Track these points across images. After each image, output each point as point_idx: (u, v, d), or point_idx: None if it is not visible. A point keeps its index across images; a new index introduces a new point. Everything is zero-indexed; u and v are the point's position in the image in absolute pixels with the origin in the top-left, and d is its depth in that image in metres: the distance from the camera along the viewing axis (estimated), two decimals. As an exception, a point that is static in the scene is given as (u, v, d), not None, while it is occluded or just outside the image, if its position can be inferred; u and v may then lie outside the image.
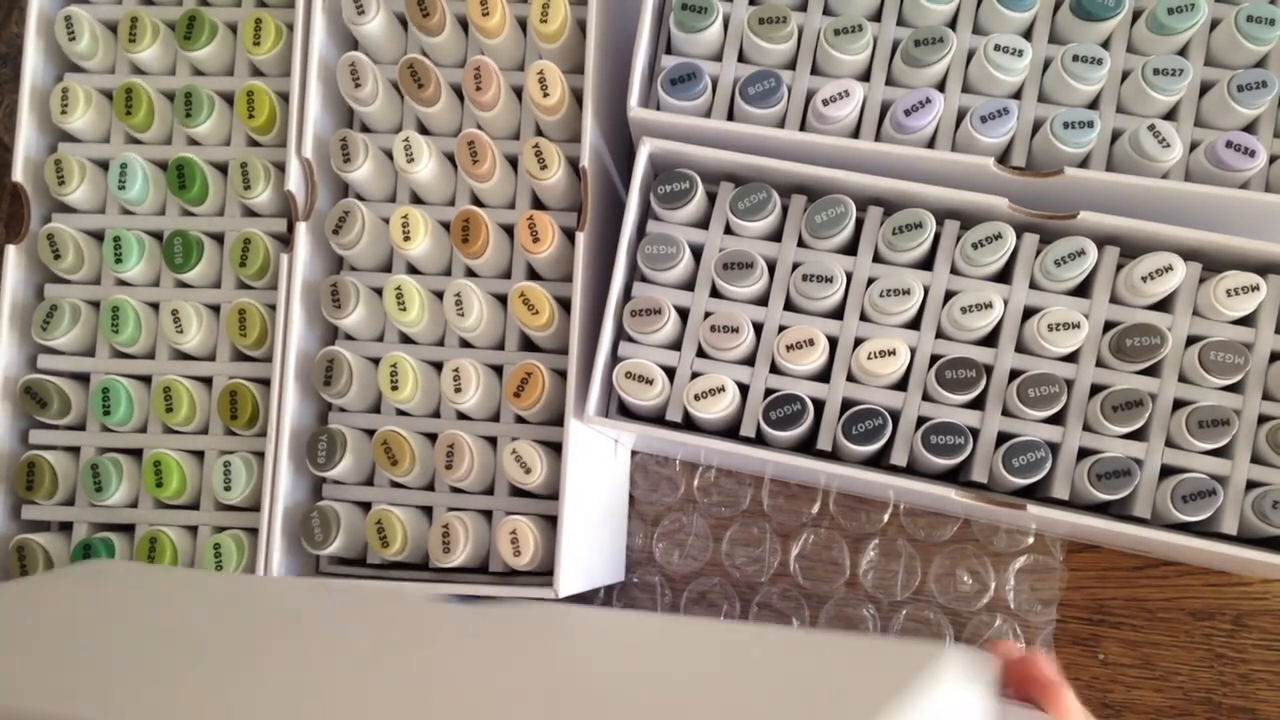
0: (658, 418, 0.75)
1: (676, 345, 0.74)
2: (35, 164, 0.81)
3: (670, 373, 0.73)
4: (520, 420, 0.78)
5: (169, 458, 0.76)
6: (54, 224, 0.80)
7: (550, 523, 0.76)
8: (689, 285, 0.74)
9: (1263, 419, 0.70)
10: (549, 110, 0.76)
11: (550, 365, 0.75)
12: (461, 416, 0.78)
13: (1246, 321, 0.71)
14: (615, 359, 0.74)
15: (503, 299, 0.79)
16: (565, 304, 0.76)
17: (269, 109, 0.78)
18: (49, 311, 0.79)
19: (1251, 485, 0.69)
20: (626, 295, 0.75)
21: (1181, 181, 0.71)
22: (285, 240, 0.79)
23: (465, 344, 0.79)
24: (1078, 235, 0.70)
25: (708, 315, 0.73)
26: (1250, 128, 0.73)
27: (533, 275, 0.79)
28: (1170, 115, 0.73)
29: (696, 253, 0.75)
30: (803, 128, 0.75)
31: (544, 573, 0.75)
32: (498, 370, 0.79)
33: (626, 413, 0.76)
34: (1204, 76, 0.73)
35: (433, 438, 0.78)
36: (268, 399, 0.77)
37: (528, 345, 0.79)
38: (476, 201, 0.80)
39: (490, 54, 0.78)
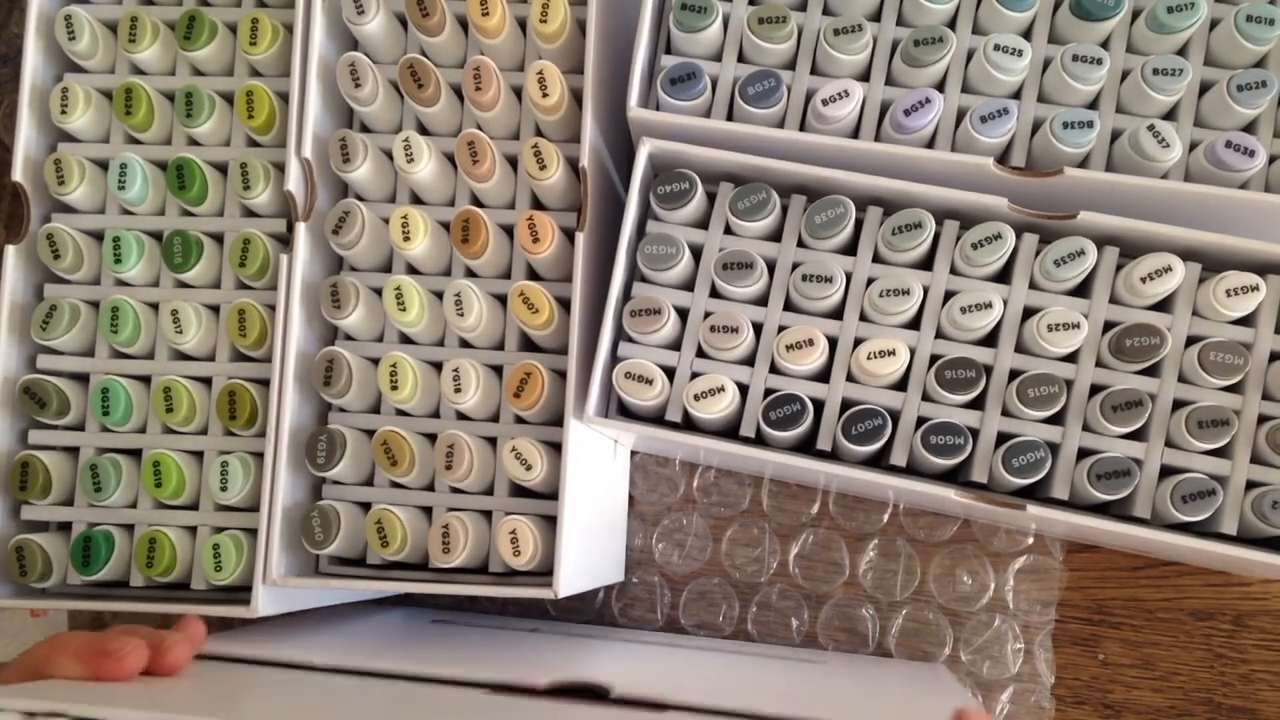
0: (657, 418, 0.75)
1: (676, 345, 0.74)
2: (35, 164, 0.81)
3: (670, 373, 0.73)
4: (520, 420, 0.78)
5: (168, 458, 0.77)
6: (53, 224, 0.80)
7: (550, 523, 0.76)
8: (689, 285, 0.75)
9: (1262, 419, 0.70)
10: (548, 110, 0.76)
11: (550, 365, 0.75)
12: (461, 417, 0.79)
13: (1246, 321, 0.71)
14: (615, 359, 0.74)
15: (502, 299, 0.79)
16: (565, 304, 0.76)
17: (268, 109, 0.79)
18: (48, 311, 0.79)
19: (1251, 485, 0.69)
20: (626, 295, 0.75)
21: (1181, 181, 0.71)
22: (285, 240, 0.79)
23: (465, 344, 0.79)
24: (1077, 235, 0.70)
25: (707, 315, 0.73)
26: (1250, 128, 0.73)
27: (533, 275, 0.79)
28: (1170, 115, 0.74)
29: (696, 253, 0.75)
30: (802, 128, 0.75)
31: (544, 573, 0.75)
32: (498, 370, 0.79)
33: (626, 413, 0.76)
34: (1203, 76, 0.74)
35: (432, 438, 0.78)
36: (267, 399, 0.77)
37: (528, 345, 0.80)
38: (476, 201, 0.80)
39: (490, 54, 0.78)
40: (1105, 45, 0.74)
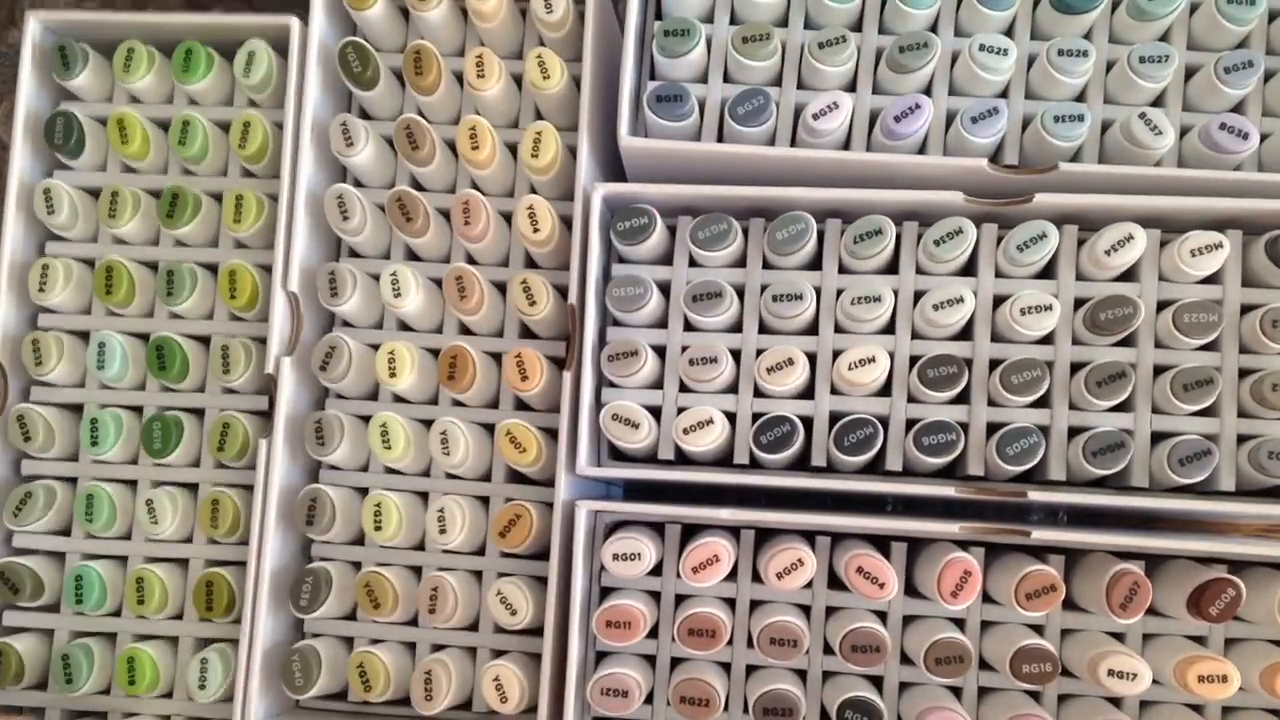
0: (651, 458, 0.94)
1: (658, 383, 0.96)
2: (14, 340, 1.03)
3: (656, 411, 0.93)
4: (507, 554, 0.97)
5: (142, 654, 0.92)
6: (24, 404, 1.00)
7: (538, 660, 0.97)
8: (661, 322, 0.98)
9: (1244, 372, 0.88)
10: (539, 244, 0.97)
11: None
12: (447, 551, 0.99)
13: (1213, 279, 0.90)
14: (599, 405, 0.94)
15: (490, 427, 0.99)
16: (553, 434, 0.95)
17: (251, 288, 0.98)
18: (23, 498, 0.98)
19: (1243, 439, 0.87)
20: (601, 340, 0.96)
21: (1175, 168, 0.91)
22: (266, 416, 1.02)
23: (452, 476, 0.98)
24: (1037, 220, 0.89)
25: (685, 349, 0.94)
26: (1238, 108, 0.96)
27: (522, 407, 1.00)
28: (1157, 102, 0.96)
29: (664, 288, 0.96)
30: (793, 143, 0.96)
31: (531, 709, 0.94)
32: (484, 501, 0.99)
33: (619, 457, 0.95)
34: (1188, 61, 0.96)
35: (417, 569, 0.97)
36: (244, 586, 0.93)
37: (516, 478, 1.00)
38: (466, 330, 1.02)
39: (480, 182, 1.03)
40: (1088, 37, 0.97)
